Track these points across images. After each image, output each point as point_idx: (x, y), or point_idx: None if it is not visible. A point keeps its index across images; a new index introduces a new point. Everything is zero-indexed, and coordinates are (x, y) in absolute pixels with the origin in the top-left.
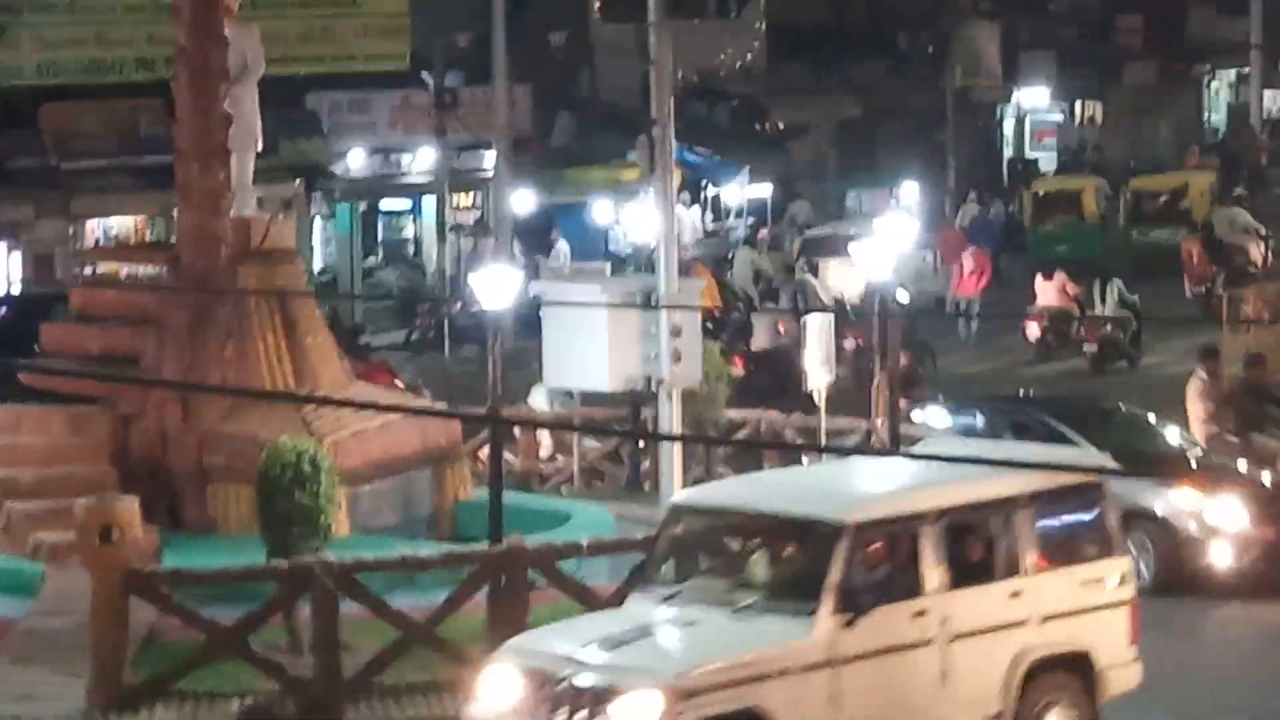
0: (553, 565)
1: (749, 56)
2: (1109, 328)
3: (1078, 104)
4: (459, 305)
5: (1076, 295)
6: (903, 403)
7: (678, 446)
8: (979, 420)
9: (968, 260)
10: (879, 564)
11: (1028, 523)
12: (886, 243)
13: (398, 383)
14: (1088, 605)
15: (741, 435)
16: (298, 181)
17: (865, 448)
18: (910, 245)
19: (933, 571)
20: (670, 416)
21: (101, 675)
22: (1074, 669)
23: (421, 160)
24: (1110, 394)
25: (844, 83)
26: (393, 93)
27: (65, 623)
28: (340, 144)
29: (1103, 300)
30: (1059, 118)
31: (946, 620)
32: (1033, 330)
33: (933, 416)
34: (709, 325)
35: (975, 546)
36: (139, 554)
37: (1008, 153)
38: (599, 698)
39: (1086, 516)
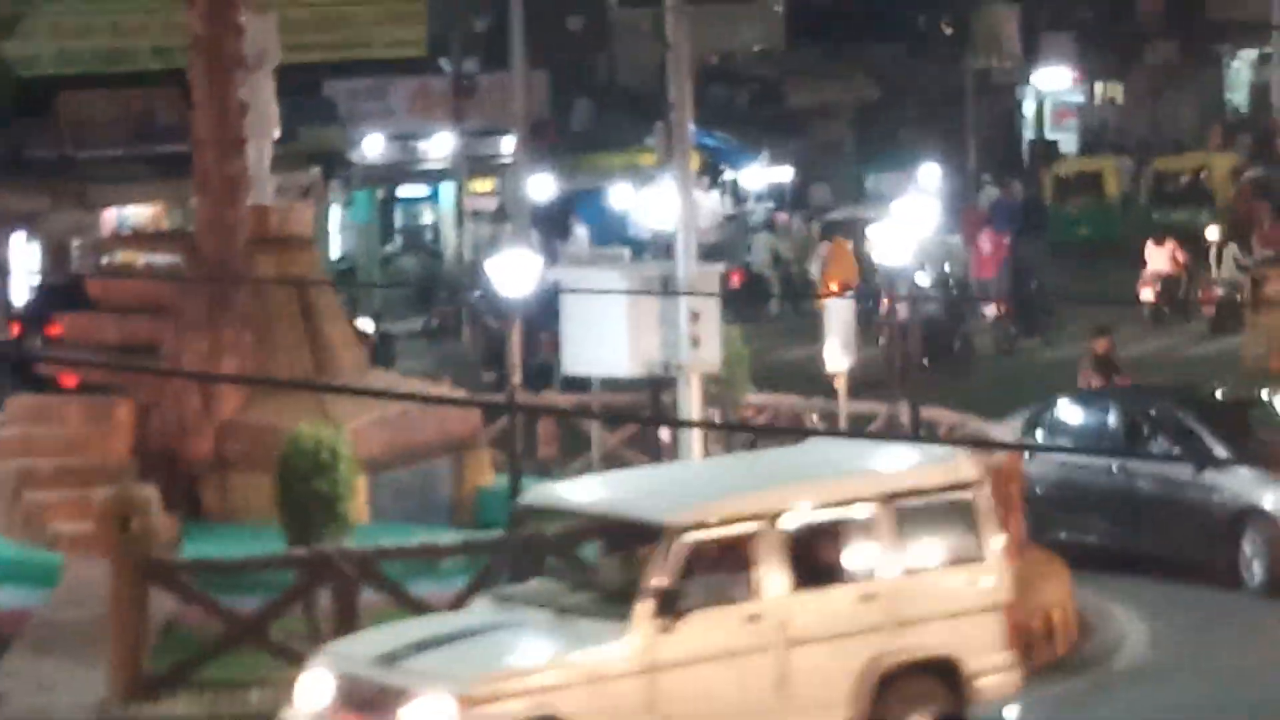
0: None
1: (768, 40)
2: (1222, 291)
3: (1098, 85)
4: (478, 293)
5: (1186, 262)
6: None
7: (698, 431)
8: (1110, 417)
9: (985, 243)
10: (709, 566)
11: (886, 524)
12: (904, 226)
13: None
14: (954, 609)
15: (762, 420)
16: (316, 169)
17: (883, 433)
18: (936, 228)
19: (772, 574)
20: (689, 401)
21: (121, 665)
22: (938, 675)
23: (439, 147)
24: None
25: (862, 65)
26: (410, 79)
27: (84, 613)
28: (358, 131)
29: (1219, 265)
30: (1079, 99)
31: (786, 624)
32: (1146, 295)
33: (1059, 408)
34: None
35: (824, 548)
36: (158, 543)
37: (1028, 134)
38: (392, 702)
39: (955, 518)
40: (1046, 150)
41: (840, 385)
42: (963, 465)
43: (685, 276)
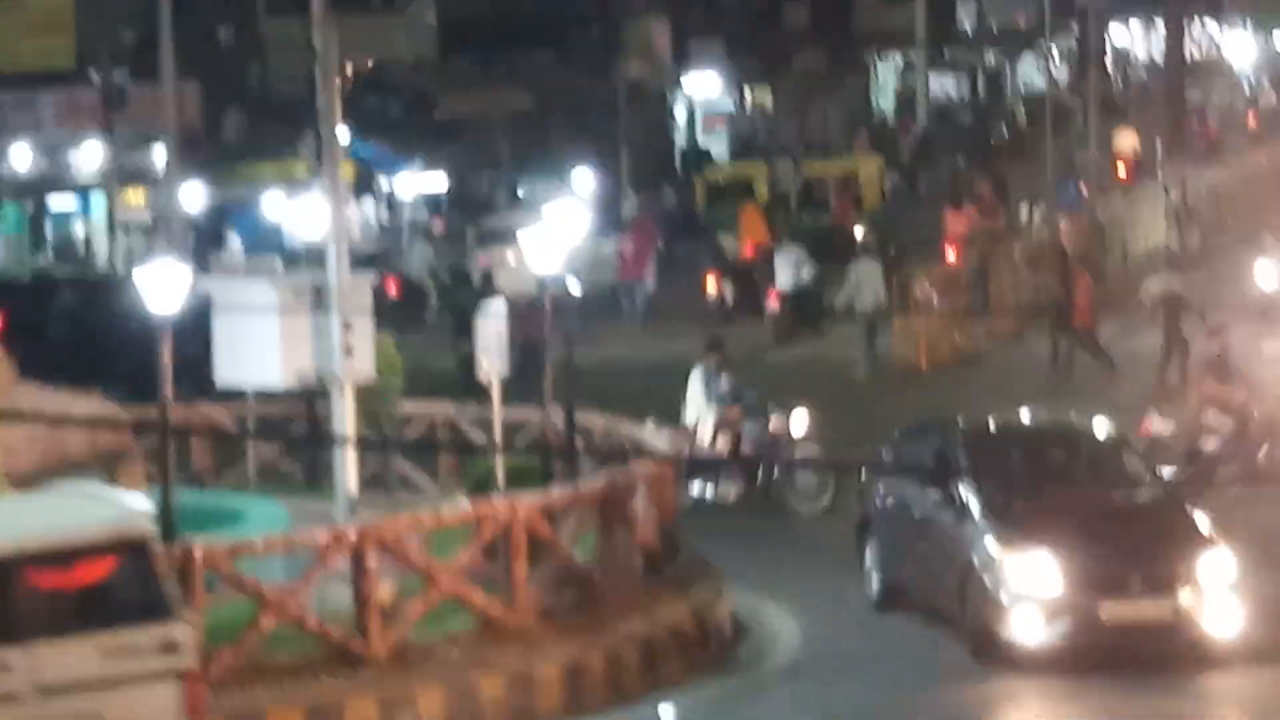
0: (229, 565)
1: (420, 50)
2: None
3: (748, 91)
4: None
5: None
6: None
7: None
8: (925, 449)
9: (627, 245)
10: None
11: (23, 585)
12: (556, 232)
13: None
14: (116, 676)
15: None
16: None
17: (537, 444)
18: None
19: None
20: (342, 412)
21: None
22: None
23: (89, 157)
24: None
25: (515, 74)
26: (59, 90)
27: None
28: (5, 142)
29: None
30: (730, 106)
31: None
32: (950, 255)
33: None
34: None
35: None
36: None
37: (680, 141)
38: None
39: (123, 577)
40: (698, 157)
41: (494, 393)
42: (137, 523)
43: (337, 286)
